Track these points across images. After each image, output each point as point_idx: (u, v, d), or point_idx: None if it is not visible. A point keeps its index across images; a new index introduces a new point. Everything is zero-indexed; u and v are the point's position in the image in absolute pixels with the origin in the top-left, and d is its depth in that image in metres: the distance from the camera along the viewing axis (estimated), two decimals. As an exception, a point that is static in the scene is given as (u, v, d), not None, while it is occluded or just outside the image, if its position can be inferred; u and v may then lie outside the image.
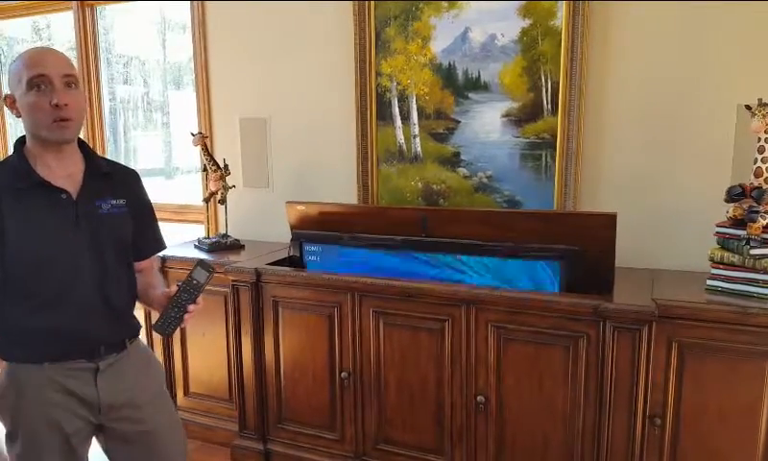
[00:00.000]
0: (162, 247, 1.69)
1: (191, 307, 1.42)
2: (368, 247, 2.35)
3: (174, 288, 1.44)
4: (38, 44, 3.88)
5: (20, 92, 1.34)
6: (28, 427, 1.40)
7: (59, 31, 3.77)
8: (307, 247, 2.47)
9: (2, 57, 3.90)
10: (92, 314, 1.41)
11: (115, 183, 1.49)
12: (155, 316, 1.66)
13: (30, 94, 1.33)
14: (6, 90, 1.40)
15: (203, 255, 2.64)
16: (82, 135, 1.47)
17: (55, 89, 1.33)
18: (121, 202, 1.48)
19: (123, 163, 1.63)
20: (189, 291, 1.41)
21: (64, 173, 1.40)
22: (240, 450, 2.53)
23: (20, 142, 1.42)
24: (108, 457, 1.56)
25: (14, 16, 3.74)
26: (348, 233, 2.39)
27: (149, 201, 1.61)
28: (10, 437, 1.43)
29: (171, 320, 1.42)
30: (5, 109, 3.81)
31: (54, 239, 1.37)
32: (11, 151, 1.44)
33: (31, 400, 1.39)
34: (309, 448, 2.40)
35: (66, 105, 1.33)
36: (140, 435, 1.50)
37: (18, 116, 1.38)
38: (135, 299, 1.57)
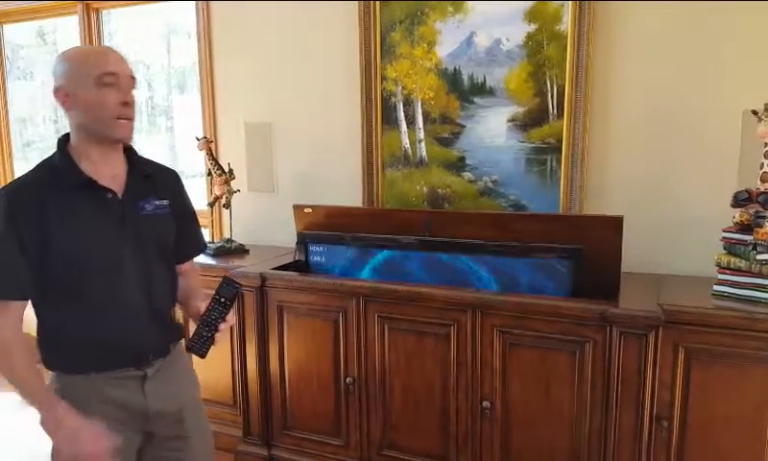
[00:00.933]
0: (204, 248, 1.69)
1: (222, 326, 1.41)
2: (373, 247, 2.35)
3: (203, 306, 1.43)
4: (43, 49, 3.90)
5: (83, 87, 1.31)
6: None
7: (65, 35, 3.78)
8: (312, 248, 2.47)
9: (7, 61, 3.91)
10: (139, 319, 1.40)
11: (158, 184, 1.48)
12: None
13: (98, 89, 1.31)
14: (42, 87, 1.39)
15: (207, 260, 2.64)
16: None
17: (122, 88, 1.34)
18: (164, 202, 1.47)
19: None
20: (218, 310, 1.40)
21: (110, 173, 1.39)
22: (244, 456, 2.52)
23: (64, 141, 1.39)
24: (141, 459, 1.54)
25: (20, 21, 3.75)
26: (354, 234, 2.39)
27: (190, 202, 1.61)
28: (58, 452, 1.38)
29: (204, 340, 1.40)
30: (10, 130, 3.84)
31: (100, 240, 1.35)
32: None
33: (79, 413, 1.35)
34: (314, 455, 2.40)
35: (133, 103, 1.37)
36: (178, 442, 1.49)
37: (69, 110, 1.34)
38: (175, 302, 1.56)
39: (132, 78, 1.38)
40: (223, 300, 1.40)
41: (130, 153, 1.47)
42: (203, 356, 1.41)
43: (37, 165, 1.39)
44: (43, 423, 1.31)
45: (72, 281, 1.33)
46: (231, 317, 1.43)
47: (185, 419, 1.50)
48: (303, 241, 2.50)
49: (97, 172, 1.36)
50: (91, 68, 1.31)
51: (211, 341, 1.41)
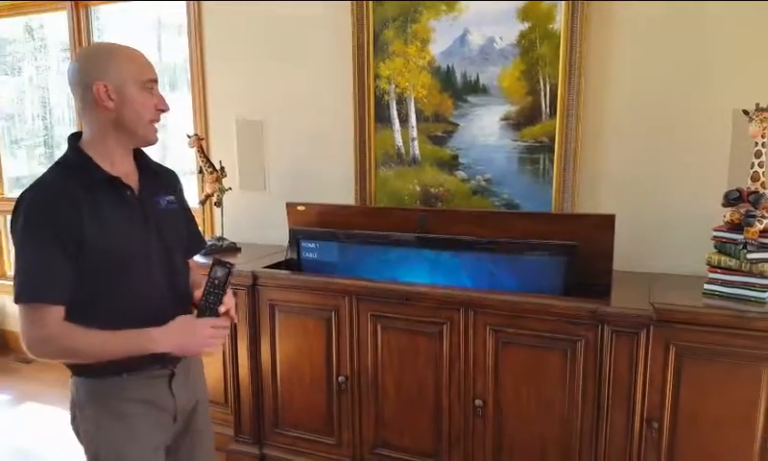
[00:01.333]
0: (204, 245, 1.72)
1: (221, 309, 1.40)
2: (365, 244, 2.34)
3: (198, 292, 1.42)
4: (31, 44, 3.85)
5: (130, 86, 1.32)
6: (110, 449, 1.34)
7: (52, 32, 3.74)
8: (304, 244, 2.46)
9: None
10: (168, 316, 1.37)
11: (165, 182, 1.51)
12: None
13: (142, 93, 1.35)
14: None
15: (198, 258, 2.61)
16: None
17: (158, 94, 1.40)
18: (173, 198, 1.49)
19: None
20: (214, 293, 1.39)
21: (124, 171, 1.38)
22: (236, 455, 2.51)
23: (75, 139, 1.37)
24: None
25: (7, 16, 3.71)
26: (346, 231, 2.39)
27: (186, 201, 1.61)
28: (93, 456, 1.37)
29: None
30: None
31: (132, 236, 1.35)
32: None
33: (112, 417, 1.34)
34: (306, 453, 2.39)
35: None
36: (190, 435, 1.50)
37: (102, 106, 1.31)
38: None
39: None
40: (216, 281, 1.38)
41: (136, 152, 1.46)
42: None
43: (54, 166, 1.36)
44: (160, 347, 1.31)
45: (105, 281, 1.31)
46: (231, 299, 1.43)
47: (198, 413, 1.52)
48: (295, 238, 2.49)
49: (115, 170, 1.36)
50: (141, 71, 1.36)
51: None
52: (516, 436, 2.03)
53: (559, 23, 2.25)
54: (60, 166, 1.35)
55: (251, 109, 2.93)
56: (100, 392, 1.35)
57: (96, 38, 3.47)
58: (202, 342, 1.37)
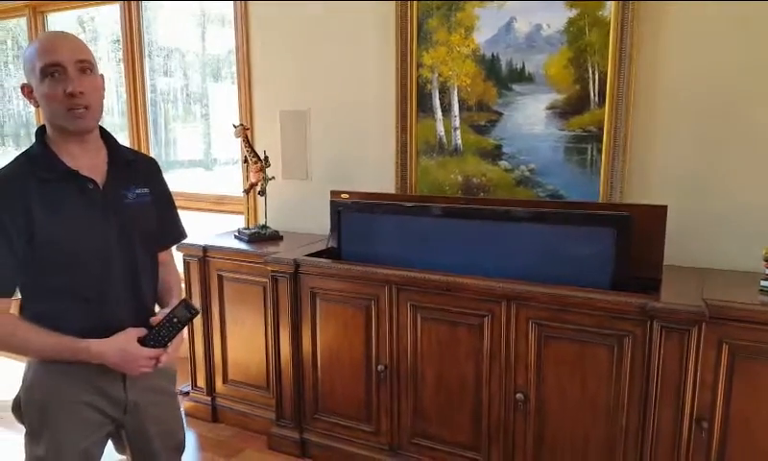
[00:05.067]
0: (183, 236, 1.64)
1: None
2: (408, 215, 2.33)
3: (158, 317, 1.40)
4: (82, 37, 3.98)
5: (35, 82, 1.29)
6: (54, 427, 1.34)
7: (103, 23, 3.86)
8: (346, 223, 2.45)
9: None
10: (124, 309, 1.38)
11: (139, 172, 1.46)
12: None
13: (44, 83, 1.27)
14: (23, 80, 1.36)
15: (242, 246, 2.67)
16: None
17: (68, 77, 1.27)
18: (145, 190, 1.44)
19: (144, 153, 1.60)
20: (168, 328, 1.37)
21: (89, 163, 1.36)
22: (277, 439, 2.56)
23: (41, 131, 1.37)
24: (116, 447, 1.53)
25: (63, 9, 3.85)
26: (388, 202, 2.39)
27: (168, 189, 1.58)
28: (32, 436, 1.36)
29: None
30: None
31: (84, 231, 1.32)
32: None
33: (60, 399, 1.34)
34: (344, 439, 2.41)
35: (82, 92, 1.28)
36: (152, 433, 1.48)
37: (36, 106, 1.33)
38: (156, 293, 1.53)
39: (83, 61, 1.30)
40: (175, 320, 1.36)
41: (109, 140, 1.43)
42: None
43: (16, 157, 1.34)
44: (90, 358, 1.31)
45: (57, 273, 1.30)
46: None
47: (162, 411, 1.50)
48: (336, 211, 2.47)
49: (76, 162, 1.33)
50: (37, 61, 1.28)
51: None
52: (558, 432, 2.00)
53: (609, 10, 2.17)
54: (22, 157, 1.34)
55: (295, 99, 2.95)
56: (50, 374, 1.34)
57: (146, 31, 3.57)
58: (134, 368, 1.35)
